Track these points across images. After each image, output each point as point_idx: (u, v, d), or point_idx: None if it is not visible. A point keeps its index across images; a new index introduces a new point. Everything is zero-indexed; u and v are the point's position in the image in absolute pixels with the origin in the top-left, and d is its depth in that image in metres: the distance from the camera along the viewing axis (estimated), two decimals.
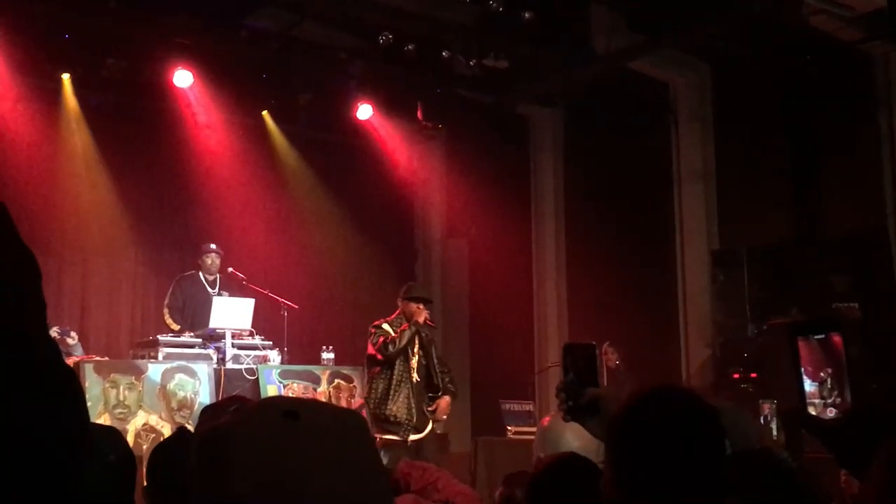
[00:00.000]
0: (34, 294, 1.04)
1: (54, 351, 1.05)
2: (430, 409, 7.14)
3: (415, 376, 7.04)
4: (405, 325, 7.04)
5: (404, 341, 6.95)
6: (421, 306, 7.11)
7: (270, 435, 1.01)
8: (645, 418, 1.66)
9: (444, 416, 7.27)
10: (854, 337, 7.71)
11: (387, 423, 6.87)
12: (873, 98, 8.42)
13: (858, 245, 8.47)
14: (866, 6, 7.49)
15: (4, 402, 0.97)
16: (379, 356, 6.97)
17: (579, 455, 2.55)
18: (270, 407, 1.06)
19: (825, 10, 7.66)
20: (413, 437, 6.90)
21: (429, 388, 7.18)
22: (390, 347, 6.92)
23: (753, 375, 8.24)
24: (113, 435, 2.09)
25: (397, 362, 7.00)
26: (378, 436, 6.74)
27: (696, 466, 1.62)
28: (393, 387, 6.96)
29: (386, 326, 7.08)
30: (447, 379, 7.27)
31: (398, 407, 6.92)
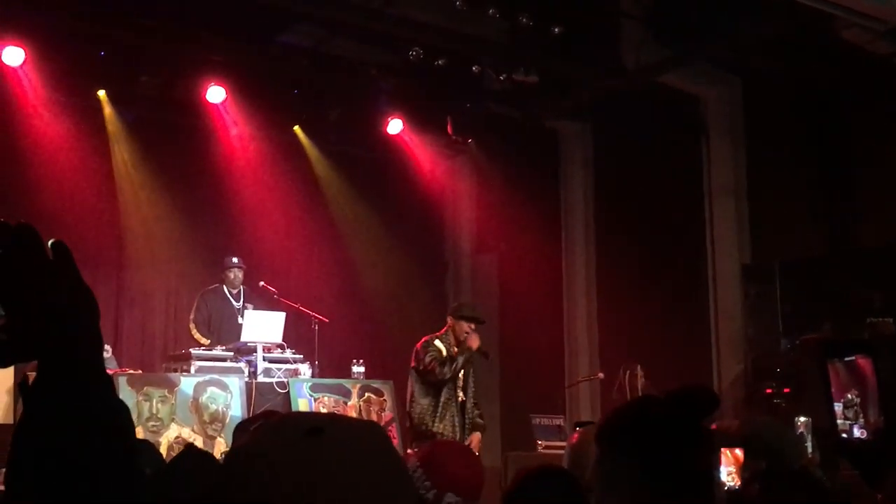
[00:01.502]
0: (90, 328, 1.08)
1: (107, 384, 1.09)
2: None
3: (460, 395, 7.00)
4: (456, 348, 6.93)
5: (459, 364, 6.87)
6: (472, 327, 7.00)
7: (297, 453, 1.02)
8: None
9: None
10: (888, 353, 7.63)
11: (432, 440, 6.68)
12: None
13: (892, 258, 8.38)
14: None
15: (60, 435, 1.01)
16: (428, 375, 6.88)
17: (555, 467, 2.56)
18: (292, 425, 1.08)
19: (857, 24, 7.60)
20: None
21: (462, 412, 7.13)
22: (445, 370, 6.81)
23: (786, 391, 8.17)
24: (149, 449, 2.13)
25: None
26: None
27: None
28: (441, 405, 6.89)
29: (438, 343, 6.97)
30: (477, 412, 7.20)
31: (444, 425, 6.86)
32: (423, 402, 6.92)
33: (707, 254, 9.57)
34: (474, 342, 6.95)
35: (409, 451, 6.73)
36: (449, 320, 7.13)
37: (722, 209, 9.54)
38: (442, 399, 6.89)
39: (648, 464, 1.74)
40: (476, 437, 7.08)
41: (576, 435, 3.66)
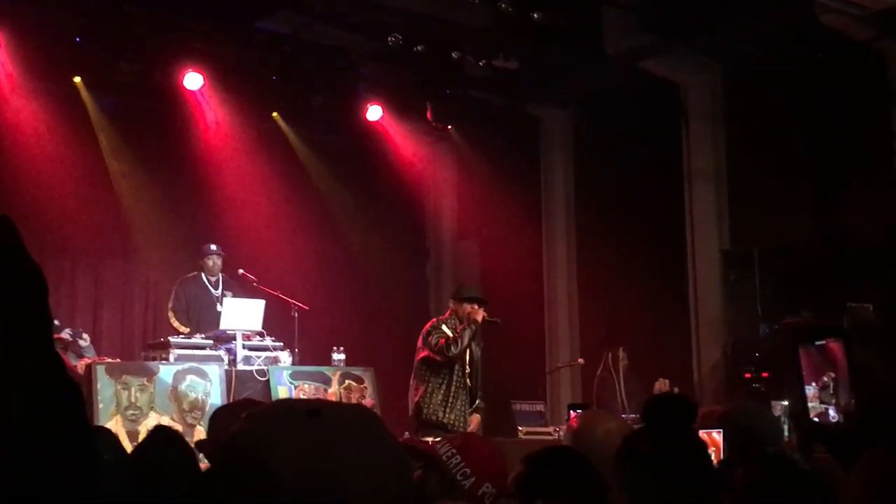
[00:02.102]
0: (39, 308, 1.05)
1: (56, 364, 1.07)
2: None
3: (468, 381, 6.91)
4: (461, 325, 6.84)
5: (466, 340, 6.75)
6: (475, 306, 6.89)
7: (303, 435, 1.04)
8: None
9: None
10: (866, 339, 7.68)
11: (442, 430, 6.58)
12: (886, 97, 8.37)
13: (872, 245, 8.42)
14: (878, 4, 7.45)
15: (8, 415, 0.99)
16: (438, 358, 6.77)
17: (569, 448, 2.57)
18: (289, 409, 1.10)
19: (836, 9, 7.62)
20: None
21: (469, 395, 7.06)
22: (453, 348, 6.70)
23: (765, 375, 8.21)
24: (107, 436, 2.12)
25: (455, 367, 6.83)
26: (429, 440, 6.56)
27: None
28: (452, 393, 6.79)
29: (444, 328, 6.89)
30: (480, 394, 7.14)
31: (455, 415, 6.76)
32: (432, 392, 6.80)
33: (687, 239, 9.60)
34: (478, 315, 6.85)
35: (406, 434, 6.64)
36: (451, 304, 7.06)
37: (702, 195, 9.56)
38: (453, 387, 6.80)
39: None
40: (476, 420, 7.02)
41: (575, 418, 3.65)
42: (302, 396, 7.91)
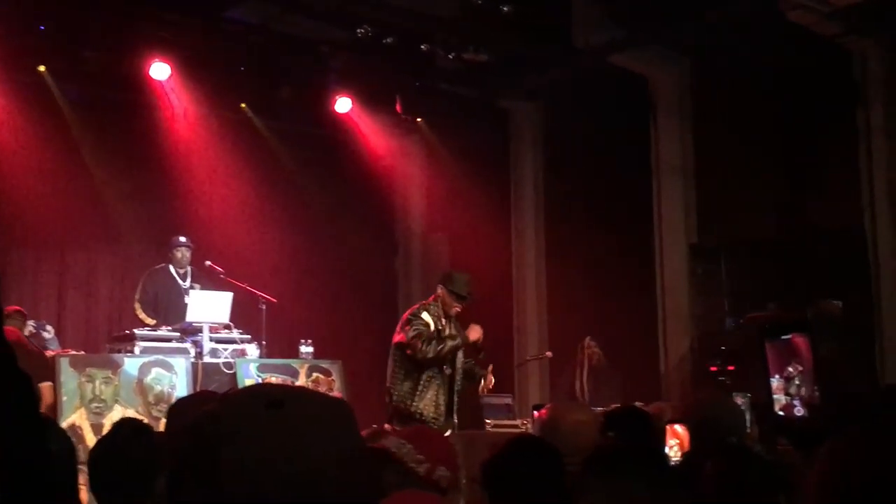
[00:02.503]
0: None
1: (6, 356, 1.04)
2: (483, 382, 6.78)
3: (446, 369, 6.54)
4: (444, 320, 6.50)
5: (445, 350, 6.37)
6: (461, 305, 6.56)
7: (256, 425, 1.02)
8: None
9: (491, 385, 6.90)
10: (831, 333, 7.77)
11: (411, 420, 6.31)
12: (851, 94, 8.45)
13: (837, 239, 8.51)
14: (843, 0, 7.51)
15: None
16: (408, 351, 6.43)
17: (534, 437, 2.61)
18: (255, 396, 1.07)
19: (803, 5, 7.68)
20: None
21: (467, 377, 6.75)
22: (428, 349, 6.33)
23: (731, 368, 8.28)
24: (51, 426, 2.09)
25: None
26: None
27: None
28: (422, 382, 6.43)
29: (426, 316, 6.49)
30: (476, 368, 6.85)
31: (425, 404, 6.40)
32: (402, 380, 6.48)
33: (655, 233, 9.65)
34: (474, 334, 6.55)
35: (385, 426, 6.45)
36: (439, 289, 6.63)
37: (670, 189, 9.61)
38: (423, 377, 6.44)
39: None
40: (489, 377, 6.77)
41: (544, 410, 3.67)
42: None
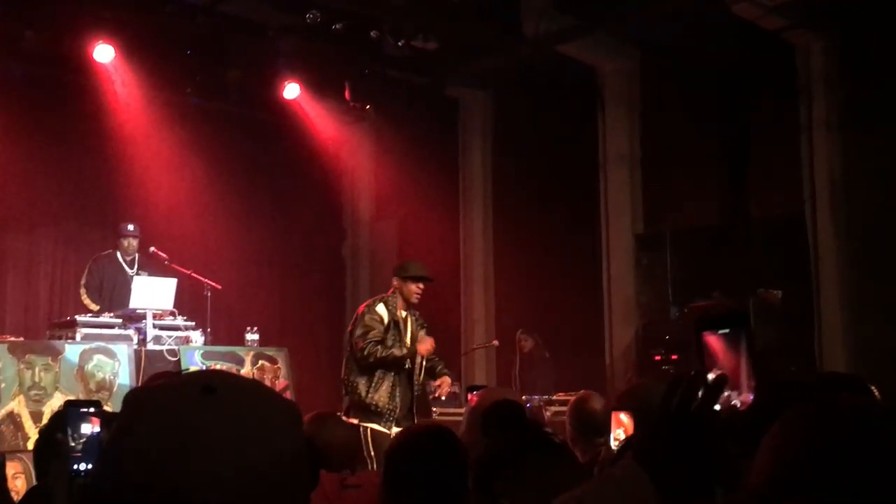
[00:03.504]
0: None
1: None
2: (433, 390, 6.59)
3: (406, 363, 6.32)
4: (404, 312, 6.34)
5: (396, 355, 6.18)
6: (421, 287, 6.37)
7: (182, 407, 1.01)
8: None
9: (444, 396, 6.69)
10: (770, 322, 7.91)
11: (368, 412, 6.16)
12: (794, 86, 8.58)
13: (779, 229, 8.66)
14: None
15: None
16: (358, 353, 6.21)
17: (435, 425, 2.65)
18: (193, 380, 1.05)
19: None
20: (396, 428, 6.07)
21: (429, 375, 6.54)
22: (371, 349, 6.13)
23: (674, 357, 8.39)
24: None
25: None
26: (363, 424, 6.10)
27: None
28: (377, 374, 6.21)
29: (380, 309, 6.30)
30: (440, 366, 6.62)
31: (380, 395, 6.17)
32: (358, 373, 6.27)
33: (601, 222, 9.72)
34: (424, 347, 6.33)
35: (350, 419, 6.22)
36: (395, 282, 6.46)
37: (616, 179, 9.70)
38: (378, 370, 6.23)
39: None
40: (446, 381, 6.52)
41: (474, 397, 3.68)
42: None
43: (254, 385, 1.10)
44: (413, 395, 6.41)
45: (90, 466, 1.80)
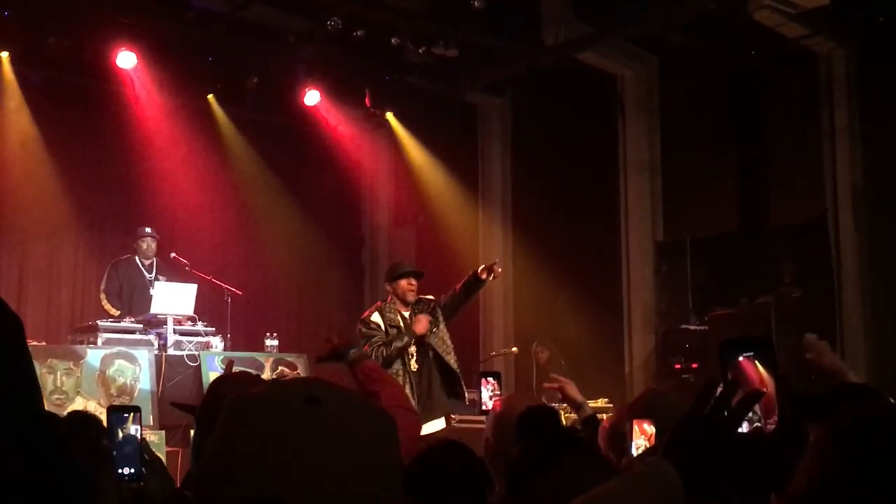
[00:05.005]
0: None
1: None
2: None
3: (412, 364, 6.25)
4: (404, 313, 6.29)
5: (393, 355, 6.11)
6: (413, 282, 6.36)
7: (287, 420, 1.01)
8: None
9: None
10: (789, 329, 7.86)
11: None
12: (816, 93, 8.55)
13: (799, 236, 8.62)
14: (810, 3, 7.59)
15: None
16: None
17: (454, 442, 2.62)
18: (296, 389, 1.06)
19: (769, 6, 7.74)
20: (425, 423, 5.80)
21: (443, 373, 6.39)
22: (383, 350, 6.08)
23: (694, 366, 8.35)
24: None
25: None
26: None
27: None
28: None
29: (376, 317, 6.27)
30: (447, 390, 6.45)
31: None
32: None
33: (621, 229, 9.70)
34: (420, 326, 6.24)
35: None
36: (387, 287, 6.50)
37: (636, 186, 9.67)
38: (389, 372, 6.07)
39: None
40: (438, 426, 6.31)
41: (498, 403, 3.67)
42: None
43: (353, 396, 1.10)
44: (429, 383, 6.33)
45: (133, 470, 1.80)
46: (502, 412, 3.15)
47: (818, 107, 8.52)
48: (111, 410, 1.91)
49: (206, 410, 2.26)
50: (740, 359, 1.29)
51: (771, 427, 1.27)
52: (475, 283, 6.58)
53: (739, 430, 1.20)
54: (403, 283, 6.40)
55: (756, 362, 1.28)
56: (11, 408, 0.98)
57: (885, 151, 8.11)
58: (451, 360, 6.44)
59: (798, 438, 1.25)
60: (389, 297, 6.53)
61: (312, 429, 1.00)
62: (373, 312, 6.38)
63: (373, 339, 6.21)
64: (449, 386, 6.48)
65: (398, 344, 6.21)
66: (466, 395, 6.72)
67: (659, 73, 9.76)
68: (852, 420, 1.25)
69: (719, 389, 1.23)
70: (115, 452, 1.84)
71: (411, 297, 6.43)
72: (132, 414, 1.88)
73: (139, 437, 1.86)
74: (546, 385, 4.07)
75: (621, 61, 9.74)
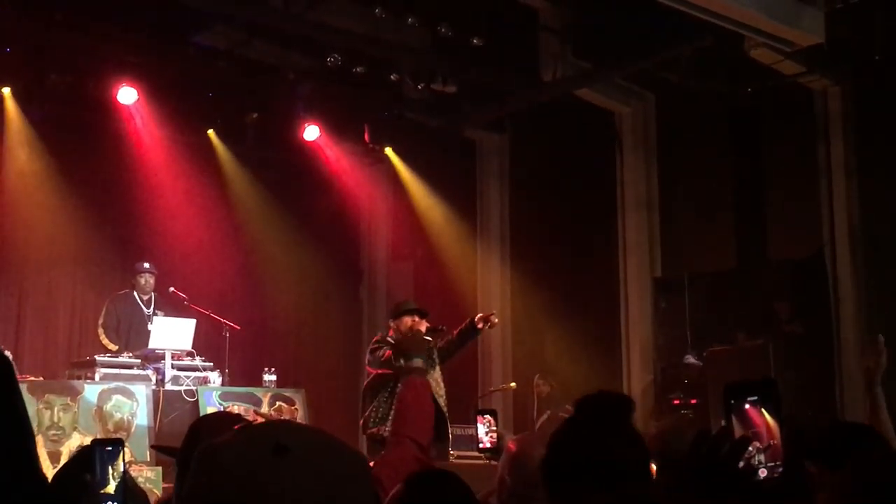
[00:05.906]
0: None
1: None
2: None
3: None
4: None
5: (419, 362, 6.31)
6: (416, 318, 6.49)
7: (255, 468, 1.01)
8: None
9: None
10: (789, 362, 7.86)
11: (382, 446, 6.01)
12: (813, 130, 8.61)
13: (797, 271, 8.63)
14: (804, 40, 7.66)
15: None
16: (388, 370, 6.24)
17: (443, 471, 2.57)
18: (264, 436, 1.06)
19: (765, 44, 7.82)
20: None
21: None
22: (403, 360, 5.96)
23: (693, 402, 8.32)
24: None
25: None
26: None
27: None
28: (383, 406, 6.28)
29: (390, 339, 6.52)
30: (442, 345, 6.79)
31: (388, 428, 6.02)
32: (377, 408, 6.33)
33: (619, 265, 9.72)
34: (422, 325, 6.43)
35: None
36: (391, 324, 6.66)
37: (634, 222, 9.70)
38: (384, 399, 6.31)
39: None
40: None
41: (513, 443, 3.63)
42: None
43: (323, 439, 1.10)
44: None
45: None
46: (517, 453, 3.11)
47: (815, 143, 8.58)
48: (95, 444, 1.90)
49: (187, 452, 2.25)
50: (746, 406, 1.30)
51: (779, 472, 1.28)
52: (472, 331, 6.75)
53: (756, 476, 1.22)
54: (407, 319, 6.49)
55: (762, 409, 1.29)
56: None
57: (881, 187, 8.16)
58: (442, 402, 6.58)
59: (800, 483, 1.25)
60: (391, 332, 6.63)
61: (280, 477, 1.01)
62: (384, 339, 6.55)
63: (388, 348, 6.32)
64: (437, 428, 6.50)
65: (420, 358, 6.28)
66: (451, 437, 7.02)
67: (656, 109, 9.83)
68: (874, 466, 1.27)
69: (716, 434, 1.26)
70: (97, 487, 1.84)
71: (420, 328, 6.47)
72: (115, 447, 1.88)
73: (122, 470, 1.86)
74: None
75: (619, 98, 9.81)
